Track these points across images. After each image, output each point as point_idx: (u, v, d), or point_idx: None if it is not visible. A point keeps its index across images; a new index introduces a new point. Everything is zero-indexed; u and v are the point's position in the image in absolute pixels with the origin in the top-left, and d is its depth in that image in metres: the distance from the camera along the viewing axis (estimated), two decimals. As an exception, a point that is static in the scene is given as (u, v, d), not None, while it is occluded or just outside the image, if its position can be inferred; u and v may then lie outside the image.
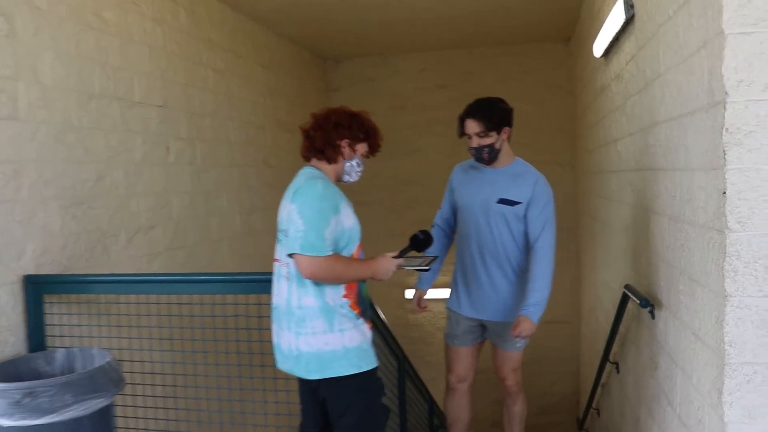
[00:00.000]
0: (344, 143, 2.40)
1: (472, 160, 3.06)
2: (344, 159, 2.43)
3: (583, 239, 6.39)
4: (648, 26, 2.66)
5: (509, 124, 2.93)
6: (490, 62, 7.20)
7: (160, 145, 4.10)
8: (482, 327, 3.15)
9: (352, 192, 7.70)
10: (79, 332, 3.12)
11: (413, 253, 2.49)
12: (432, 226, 3.24)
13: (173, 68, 4.23)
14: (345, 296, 2.34)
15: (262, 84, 5.75)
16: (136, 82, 3.84)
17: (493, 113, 2.86)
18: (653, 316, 2.65)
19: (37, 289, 2.96)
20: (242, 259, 5.02)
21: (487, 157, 2.90)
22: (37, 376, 2.79)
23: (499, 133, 2.89)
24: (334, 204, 2.26)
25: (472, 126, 2.86)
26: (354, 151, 2.44)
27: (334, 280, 2.29)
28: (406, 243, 2.49)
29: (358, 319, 2.36)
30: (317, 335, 2.30)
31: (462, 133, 2.94)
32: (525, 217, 2.92)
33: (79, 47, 3.35)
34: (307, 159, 2.50)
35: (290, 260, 2.30)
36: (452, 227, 3.25)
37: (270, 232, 2.75)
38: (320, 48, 7.07)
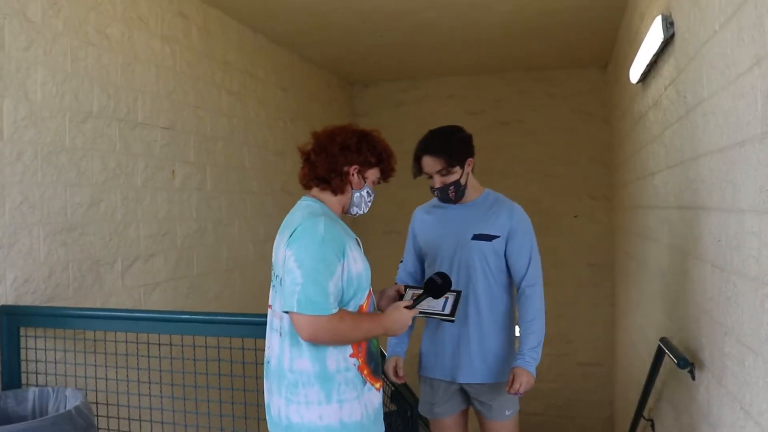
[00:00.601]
0: (353, 170, 1.99)
1: (435, 199, 2.66)
2: (352, 188, 2.02)
3: (619, 277, 5.98)
4: (690, 45, 2.34)
5: (472, 154, 2.53)
6: (521, 88, 6.90)
7: (165, 169, 3.90)
8: (463, 393, 2.61)
9: (375, 221, 7.40)
10: (59, 370, 2.89)
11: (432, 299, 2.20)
12: (394, 283, 2.60)
13: (182, 89, 4.04)
14: (353, 355, 1.93)
15: (282, 108, 5.56)
16: (140, 102, 3.65)
17: (452, 145, 2.45)
18: (693, 377, 2.28)
19: (13, 321, 2.75)
20: (255, 288, 4.76)
21: (454, 195, 2.50)
22: (5, 416, 2.57)
23: (462, 166, 2.47)
24: (340, 248, 1.86)
25: (431, 164, 2.45)
26: (364, 178, 2.03)
27: (338, 343, 1.89)
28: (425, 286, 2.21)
29: (365, 384, 1.95)
30: (311, 406, 1.89)
31: (418, 172, 2.51)
32: (505, 252, 2.51)
33: (77, 64, 3.17)
34: (307, 188, 2.09)
35: (285, 314, 1.91)
36: (419, 282, 2.72)
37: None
38: (347, 72, 6.88)
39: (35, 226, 2.93)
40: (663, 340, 2.60)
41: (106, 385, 2.89)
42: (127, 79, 3.54)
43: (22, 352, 2.80)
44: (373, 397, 1.99)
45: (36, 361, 2.82)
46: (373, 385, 1.99)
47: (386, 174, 2.11)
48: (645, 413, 3.42)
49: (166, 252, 3.88)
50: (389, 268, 2.70)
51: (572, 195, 6.76)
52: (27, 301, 2.88)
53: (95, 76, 3.30)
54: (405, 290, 2.34)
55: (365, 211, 2.11)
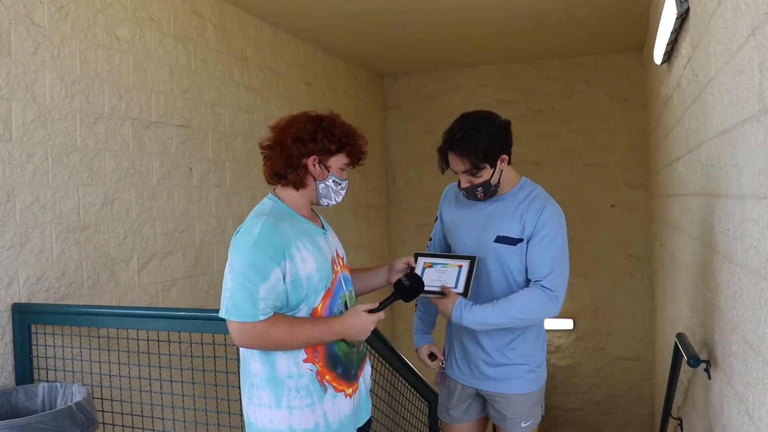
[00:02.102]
0: (311, 161, 1.86)
1: None
2: (316, 180, 1.90)
3: (656, 269, 5.75)
4: (701, 20, 2.19)
5: (506, 148, 2.18)
6: (554, 76, 6.69)
7: (182, 167, 3.91)
8: (482, 399, 2.42)
9: (407, 215, 7.32)
10: (74, 366, 2.93)
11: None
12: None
13: (197, 87, 4.05)
14: (307, 361, 1.82)
15: (307, 103, 5.53)
16: (154, 101, 3.67)
17: (480, 142, 2.11)
18: (709, 376, 2.14)
19: (24, 319, 2.79)
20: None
21: (483, 196, 2.22)
22: (15, 411, 2.62)
23: (494, 164, 2.15)
24: (277, 251, 1.74)
25: (457, 163, 2.16)
26: (326, 168, 1.89)
27: (273, 349, 1.79)
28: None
29: (327, 391, 1.84)
30: (263, 409, 1.84)
31: (446, 166, 2.22)
32: (526, 255, 2.22)
33: (86, 66, 3.20)
34: (271, 184, 1.98)
35: None
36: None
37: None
38: (375, 65, 6.81)
39: (47, 226, 2.97)
40: (679, 336, 2.45)
41: (120, 382, 2.92)
42: (139, 79, 3.56)
43: (34, 348, 2.84)
44: (341, 404, 1.88)
45: (46, 358, 2.86)
46: (341, 391, 1.88)
47: (355, 158, 1.96)
48: (674, 412, 3.25)
49: (184, 249, 3.90)
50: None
51: (609, 184, 6.53)
52: (40, 299, 2.92)
53: (106, 77, 3.33)
54: (416, 259, 2.20)
55: (339, 200, 1.99)
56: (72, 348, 2.92)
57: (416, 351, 2.47)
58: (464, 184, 2.21)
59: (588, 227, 6.54)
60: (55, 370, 2.88)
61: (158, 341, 2.84)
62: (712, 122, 2.04)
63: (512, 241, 2.21)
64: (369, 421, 2.11)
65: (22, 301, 2.84)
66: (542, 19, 5.16)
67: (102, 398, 2.88)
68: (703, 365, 2.15)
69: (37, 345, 2.85)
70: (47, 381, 2.83)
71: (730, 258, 1.78)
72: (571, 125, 6.66)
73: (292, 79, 5.31)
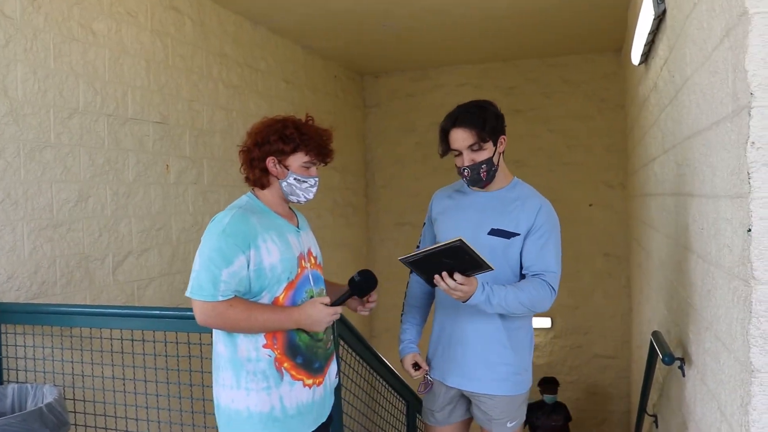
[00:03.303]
0: (270, 162, 1.99)
1: (457, 183, 2.41)
2: (279, 179, 2.01)
3: (633, 268, 5.81)
4: (677, 21, 2.21)
5: (505, 131, 2.26)
6: (534, 76, 6.73)
7: (159, 164, 3.86)
8: (466, 400, 2.41)
9: (387, 213, 7.31)
10: (46, 367, 2.88)
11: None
12: (410, 273, 2.45)
13: (175, 83, 4.00)
14: (266, 346, 1.93)
15: (286, 100, 5.49)
16: (130, 97, 3.62)
17: (486, 118, 2.17)
18: (683, 373, 2.16)
19: (-6, 319, 2.73)
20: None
21: (486, 176, 2.20)
22: (-16, 414, 2.56)
23: (495, 142, 2.20)
24: (244, 240, 1.87)
25: (462, 137, 2.15)
26: (286, 167, 1.99)
27: (231, 330, 1.92)
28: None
29: (283, 378, 1.93)
30: (225, 389, 1.96)
31: (446, 149, 2.23)
32: (521, 252, 2.22)
33: (60, 60, 3.15)
34: (248, 185, 2.12)
35: None
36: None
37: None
38: (355, 63, 6.79)
39: (18, 223, 2.92)
40: (654, 334, 2.47)
41: (93, 383, 2.87)
42: (115, 74, 3.51)
43: (4, 349, 2.79)
44: (299, 392, 1.96)
45: (17, 358, 2.81)
46: (299, 380, 1.96)
47: (317, 156, 2.03)
48: (649, 409, 3.28)
49: (160, 247, 3.86)
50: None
51: (588, 183, 6.58)
52: (11, 298, 2.87)
53: (81, 72, 3.28)
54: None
55: (309, 197, 2.07)
56: (44, 348, 2.87)
57: (401, 360, 2.45)
58: (467, 162, 2.19)
59: (566, 226, 6.49)
60: (26, 371, 2.83)
61: (132, 341, 2.80)
62: (687, 123, 2.05)
63: (507, 235, 2.21)
64: (329, 420, 2.16)
65: (-8, 299, 2.79)
66: (522, 19, 5.18)
67: (74, 399, 2.83)
68: (677, 363, 2.17)
69: (6, 345, 2.80)
70: (17, 382, 2.78)
71: (704, 257, 1.80)
72: (551, 125, 6.70)
73: (272, 76, 5.27)
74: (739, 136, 1.36)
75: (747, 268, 1.31)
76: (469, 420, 2.49)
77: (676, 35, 2.24)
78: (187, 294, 1.91)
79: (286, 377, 1.95)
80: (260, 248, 1.89)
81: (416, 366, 2.41)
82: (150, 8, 3.79)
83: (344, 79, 6.84)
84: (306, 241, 2.11)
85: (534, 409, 5.93)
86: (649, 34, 2.81)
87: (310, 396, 2.00)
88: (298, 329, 1.97)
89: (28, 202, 2.97)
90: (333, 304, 1.99)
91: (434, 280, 2.02)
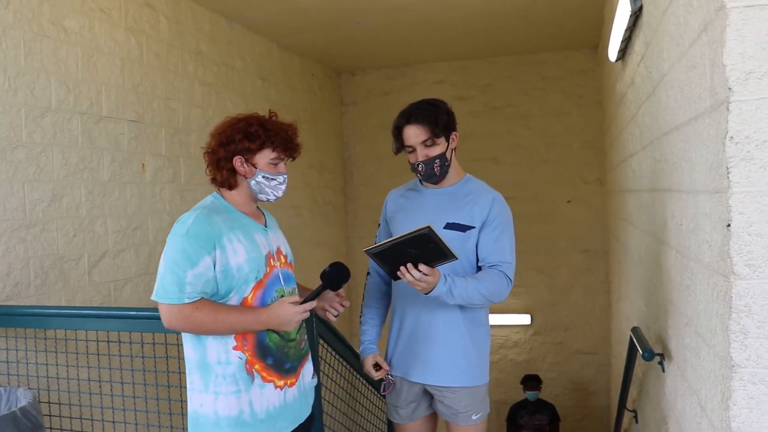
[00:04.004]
0: (236, 162, 1.94)
1: (411, 182, 2.48)
2: (247, 178, 1.97)
3: (611, 264, 5.86)
4: (653, 17, 2.22)
5: (456, 128, 2.32)
6: (511, 73, 6.75)
7: (134, 163, 3.80)
8: (429, 396, 2.44)
9: (365, 212, 7.27)
10: (20, 370, 2.81)
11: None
12: (367, 274, 2.54)
13: (150, 81, 3.94)
14: (236, 348, 1.89)
15: (262, 98, 5.44)
16: (104, 95, 3.55)
17: (438, 114, 2.23)
18: (663, 369, 2.17)
19: (-35, 322, 2.66)
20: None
21: (440, 171, 2.27)
22: (-44, 420, 2.50)
23: (447, 138, 2.26)
24: (209, 241, 1.83)
25: (416, 133, 2.22)
26: (253, 165, 1.95)
27: (198, 332, 1.87)
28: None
29: (254, 380, 1.89)
30: (194, 393, 1.92)
31: (400, 147, 2.29)
32: (477, 244, 2.27)
33: (31, 57, 3.07)
34: (216, 186, 2.07)
35: None
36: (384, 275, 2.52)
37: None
38: (331, 61, 6.75)
39: (-11, 224, 2.85)
40: (634, 330, 2.49)
41: (68, 385, 2.82)
42: (88, 72, 3.44)
43: (-24, 353, 2.72)
44: (269, 395, 1.93)
45: (-11, 363, 2.74)
46: (270, 381, 1.93)
47: (285, 151, 1.99)
48: (629, 404, 3.31)
49: (137, 247, 3.80)
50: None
51: (566, 180, 6.62)
52: (-18, 301, 2.80)
53: (52, 70, 3.21)
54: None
55: (279, 195, 2.03)
56: (17, 351, 2.81)
57: (361, 361, 2.47)
58: (421, 158, 2.24)
59: (545, 223, 6.62)
60: (4, 375, 2.76)
61: (109, 342, 2.75)
62: (665, 118, 2.06)
63: (463, 228, 2.26)
64: (310, 418, 2.14)
65: (-37, 302, 2.72)
66: (498, 16, 5.19)
67: (49, 402, 2.78)
68: (657, 358, 2.18)
69: (-21, 348, 2.73)
70: (-11, 386, 2.71)
71: (683, 252, 1.81)
72: (528, 122, 6.73)
73: (248, 74, 5.22)
74: (718, 131, 1.37)
75: (727, 264, 1.31)
76: (434, 415, 2.52)
77: (653, 31, 2.25)
78: (153, 297, 1.87)
79: (257, 379, 1.91)
80: (226, 248, 1.85)
81: (377, 367, 2.42)
82: (124, 5, 3.73)
83: (321, 76, 6.81)
84: (275, 239, 2.07)
85: (517, 408, 5.94)
86: (626, 30, 2.82)
87: (280, 398, 1.96)
88: (269, 330, 1.93)
89: (0, 202, 2.90)
90: (304, 301, 1.96)
91: (398, 272, 2.03)
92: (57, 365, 2.83)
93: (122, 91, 3.70)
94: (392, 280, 2.46)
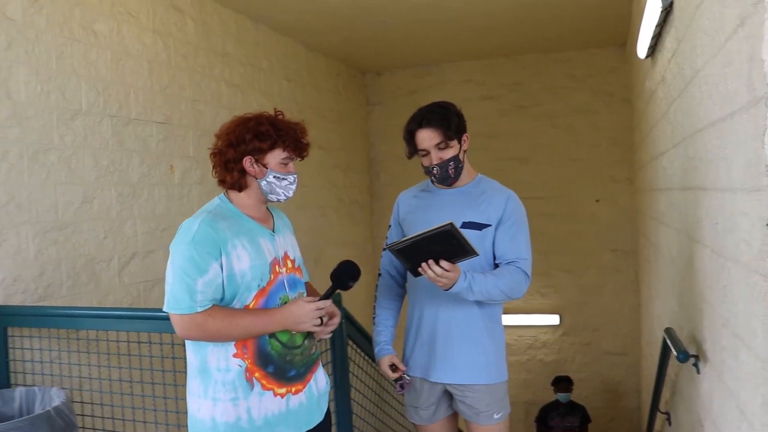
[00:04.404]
0: (247, 162, 1.90)
1: (422, 184, 2.49)
2: (257, 179, 1.93)
3: (641, 263, 5.77)
4: (686, 12, 2.17)
5: (466, 130, 2.33)
6: (537, 71, 6.69)
7: (163, 164, 3.84)
8: (449, 396, 2.42)
9: (383, 210, 7.25)
10: (54, 370, 2.86)
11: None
12: (378, 275, 2.54)
13: (178, 83, 3.98)
14: (236, 356, 1.85)
15: (288, 99, 5.47)
16: (133, 97, 3.60)
17: (449, 117, 2.25)
18: (698, 371, 2.13)
19: (0, 321, 2.72)
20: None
21: (454, 173, 2.28)
22: (-9, 418, 2.55)
23: (460, 141, 2.28)
24: (215, 246, 1.79)
25: (429, 137, 2.23)
26: (264, 165, 1.91)
27: (213, 339, 1.84)
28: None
29: (253, 388, 1.86)
30: (194, 397, 1.90)
31: (413, 151, 2.31)
32: (493, 243, 2.28)
33: (62, 61, 3.13)
34: (224, 188, 2.03)
35: None
36: (405, 274, 2.52)
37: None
38: (357, 61, 6.76)
39: (23, 226, 2.90)
40: (667, 330, 2.44)
41: (100, 385, 2.85)
42: (117, 75, 3.49)
43: (11, 352, 2.77)
44: (268, 403, 1.88)
45: (23, 361, 2.79)
46: (269, 389, 1.89)
47: (294, 151, 1.95)
48: (661, 406, 3.25)
49: (165, 248, 3.77)
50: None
51: (594, 179, 6.54)
52: (17, 300, 2.85)
53: (83, 73, 3.25)
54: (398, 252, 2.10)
55: (289, 195, 1.99)
56: (50, 351, 2.85)
57: (377, 362, 2.46)
58: (435, 161, 2.26)
59: (573, 222, 6.55)
60: (33, 374, 2.81)
61: (139, 343, 2.78)
62: (699, 115, 2.02)
63: (479, 227, 2.27)
64: (325, 423, 2.10)
65: (-3, 303, 2.77)
66: (525, 14, 5.14)
67: (82, 402, 2.81)
68: (691, 360, 2.14)
69: (13, 348, 2.78)
70: (24, 385, 2.76)
71: (719, 252, 1.77)
72: (555, 120, 6.66)
73: (274, 75, 5.25)
74: (756, 128, 1.33)
75: (767, 263, 1.28)
76: (455, 415, 2.51)
77: (684, 27, 2.20)
78: (165, 309, 1.84)
79: (257, 387, 1.87)
80: (231, 254, 1.81)
81: (393, 367, 2.41)
82: (151, 8, 3.77)
83: (347, 76, 6.82)
84: (282, 244, 2.02)
85: (548, 410, 5.88)
86: (656, 26, 2.77)
87: (281, 405, 1.91)
88: (271, 337, 1.89)
89: (32, 205, 2.95)
90: (320, 300, 1.93)
91: (420, 269, 2.03)
92: (89, 365, 2.86)
93: (150, 94, 3.74)
94: (407, 280, 2.48)
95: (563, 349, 6.70)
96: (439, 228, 1.90)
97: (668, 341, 2.33)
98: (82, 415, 2.78)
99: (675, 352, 2.12)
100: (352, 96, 6.94)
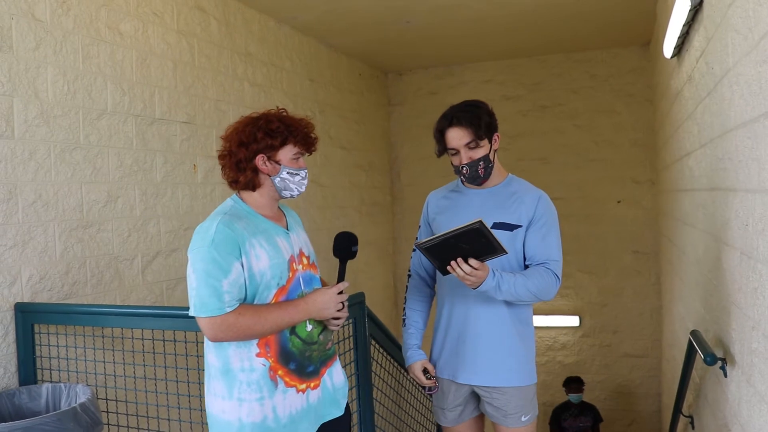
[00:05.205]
0: (259, 160, 1.91)
1: (452, 184, 2.46)
2: (270, 176, 1.94)
3: (663, 265, 5.71)
4: (716, 10, 2.14)
5: (497, 129, 2.30)
6: (559, 71, 6.64)
7: (186, 164, 3.88)
8: (476, 397, 2.40)
9: (414, 212, 7.29)
10: (79, 367, 2.89)
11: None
12: (408, 276, 2.54)
13: (201, 83, 4.01)
14: (260, 355, 1.87)
15: (311, 99, 5.49)
16: (157, 97, 3.63)
17: (480, 116, 2.22)
18: (725, 374, 2.10)
19: (28, 318, 2.76)
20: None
21: (484, 173, 2.25)
22: (19, 412, 2.59)
23: (490, 140, 2.25)
24: (234, 246, 1.80)
25: (459, 136, 2.20)
26: (277, 162, 1.93)
27: (245, 338, 1.84)
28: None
29: (278, 386, 1.88)
30: (216, 399, 1.90)
31: (443, 150, 2.29)
32: (524, 244, 2.25)
33: (89, 61, 3.16)
34: (234, 190, 2.05)
35: None
36: (434, 274, 2.51)
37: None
38: (379, 61, 6.76)
39: (50, 224, 2.94)
40: (693, 333, 2.41)
41: (125, 383, 2.88)
42: (142, 75, 3.52)
43: (38, 349, 2.81)
44: (292, 399, 1.91)
45: (50, 358, 2.82)
46: (292, 386, 1.91)
47: (304, 146, 1.98)
48: (684, 410, 3.21)
49: (188, 247, 3.86)
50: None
51: (615, 180, 6.48)
52: (43, 298, 2.89)
53: (108, 73, 3.29)
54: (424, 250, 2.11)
55: (302, 190, 2.01)
56: (76, 348, 2.89)
57: (408, 366, 2.44)
58: (465, 161, 2.23)
59: (594, 223, 6.50)
60: (59, 371, 2.84)
61: (163, 341, 2.80)
62: (729, 115, 1.99)
63: (510, 227, 2.24)
64: (343, 418, 2.11)
65: (25, 300, 2.80)
66: (547, 13, 5.11)
67: (107, 399, 2.84)
68: (718, 363, 2.11)
69: (40, 345, 2.81)
70: (51, 381, 2.79)
71: (749, 254, 1.74)
72: (577, 120, 6.61)
73: (296, 75, 5.27)
74: (792, 128, 1.31)
75: (802, 266, 1.25)
76: (481, 416, 2.49)
77: (715, 25, 2.17)
78: (191, 314, 1.84)
79: (281, 385, 1.89)
80: (249, 254, 1.83)
81: (425, 372, 2.40)
82: (176, 8, 3.80)
83: (368, 77, 6.82)
84: (297, 242, 2.04)
85: (560, 411, 5.86)
86: (684, 25, 2.74)
87: (303, 401, 1.94)
88: (292, 334, 1.91)
89: (59, 203, 2.99)
90: (338, 283, 1.99)
91: (449, 267, 2.03)
92: (114, 363, 2.89)
93: (174, 93, 3.77)
94: (436, 280, 2.47)
95: (582, 351, 6.65)
96: (468, 226, 1.90)
97: (694, 344, 2.30)
98: (107, 412, 2.81)
99: (702, 355, 2.09)
100: (374, 96, 6.95)
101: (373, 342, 2.90)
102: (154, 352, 2.84)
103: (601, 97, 6.49)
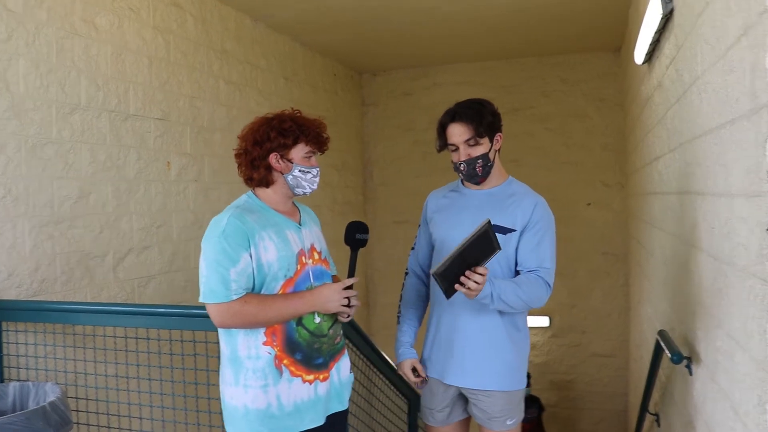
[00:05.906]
0: (273, 158, 2.02)
1: (452, 184, 2.47)
2: (283, 174, 2.04)
3: (632, 267, 5.82)
4: (687, 20, 2.21)
5: (501, 129, 2.31)
6: (532, 74, 6.73)
7: (160, 161, 3.84)
8: (464, 399, 2.40)
9: (385, 211, 7.28)
10: (48, 365, 2.85)
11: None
12: (405, 274, 2.55)
13: (176, 79, 3.98)
14: (266, 344, 1.96)
15: (286, 98, 5.47)
16: (132, 93, 3.59)
17: (483, 114, 2.22)
18: (690, 372, 2.16)
19: (-6, 316, 2.71)
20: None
21: (482, 171, 2.23)
22: (-14, 412, 2.54)
23: (491, 139, 2.25)
24: (243, 238, 1.91)
25: (459, 132, 2.21)
26: (289, 160, 2.03)
27: (250, 325, 1.94)
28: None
29: (282, 375, 1.96)
30: (226, 385, 2.02)
31: (443, 145, 2.29)
32: (517, 249, 2.24)
33: (63, 55, 3.12)
34: (250, 187, 2.15)
35: None
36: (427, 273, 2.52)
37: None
38: (354, 61, 6.77)
39: (19, 219, 2.89)
40: (661, 332, 2.47)
41: (95, 381, 2.85)
42: (117, 70, 3.48)
43: (5, 347, 2.76)
44: (298, 389, 1.98)
45: (18, 356, 2.79)
46: (298, 376, 1.98)
47: (316, 145, 2.07)
48: (651, 408, 3.29)
49: (161, 244, 3.83)
50: (399, 258, 2.58)
51: (586, 182, 6.59)
52: (11, 295, 2.84)
53: (83, 67, 3.25)
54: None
55: (314, 187, 2.10)
56: (45, 346, 2.85)
57: (398, 363, 2.45)
58: (463, 157, 2.23)
59: (564, 225, 6.56)
60: (27, 369, 2.80)
61: (136, 338, 2.79)
62: (697, 121, 2.05)
63: (504, 231, 2.23)
64: (343, 413, 2.18)
65: (-8, 297, 2.76)
66: (521, 17, 5.18)
67: (77, 397, 2.82)
68: (684, 361, 2.17)
69: (7, 343, 2.77)
70: (18, 380, 2.75)
71: (715, 255, 1.80)
72: (548, 124, 6.70)
73: (271, 73, 5.25)
74: (757, 135, 1.36)
75: (764, 267, 1.31)
76: (468, 419, 2.50)
77: (685, 34, 2.24)
78: (201, 300, 1.94)
79: (285, 374, 1.97)
80: (258, 246, 1.92)
81: (414, 371, 2.41)
82: (152, 4, 3.77)
83: (343, 76, 6.83)
84: (308, 236, 2.12)
85: None
86: (655, 33, 2.81)
87: (311, 392, 2.01)
88: (299, 325, 1.99)
89: (29, 199, 2.94)
90: (349, 277, 2.07)
91: (456, 286, 1.97)
92: (85, 361, 2.86)
93: (149, 90, 3.74)
94: (429, 283, 2.46)
95: (552, 351, 6.75)
96: (478, 231, 1.87)
97: (662, 343, 2.36)
98: (77, 411, 2.78)
99: (669, 354, 2.15)
100: (348, 96, 6.96)
101: (346, 341, 2.92)
102: (126, 350, 2.82)
103: (573, 101, 6.59)
